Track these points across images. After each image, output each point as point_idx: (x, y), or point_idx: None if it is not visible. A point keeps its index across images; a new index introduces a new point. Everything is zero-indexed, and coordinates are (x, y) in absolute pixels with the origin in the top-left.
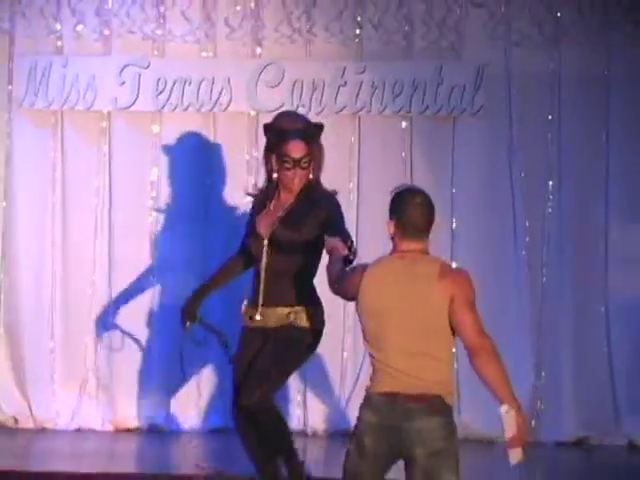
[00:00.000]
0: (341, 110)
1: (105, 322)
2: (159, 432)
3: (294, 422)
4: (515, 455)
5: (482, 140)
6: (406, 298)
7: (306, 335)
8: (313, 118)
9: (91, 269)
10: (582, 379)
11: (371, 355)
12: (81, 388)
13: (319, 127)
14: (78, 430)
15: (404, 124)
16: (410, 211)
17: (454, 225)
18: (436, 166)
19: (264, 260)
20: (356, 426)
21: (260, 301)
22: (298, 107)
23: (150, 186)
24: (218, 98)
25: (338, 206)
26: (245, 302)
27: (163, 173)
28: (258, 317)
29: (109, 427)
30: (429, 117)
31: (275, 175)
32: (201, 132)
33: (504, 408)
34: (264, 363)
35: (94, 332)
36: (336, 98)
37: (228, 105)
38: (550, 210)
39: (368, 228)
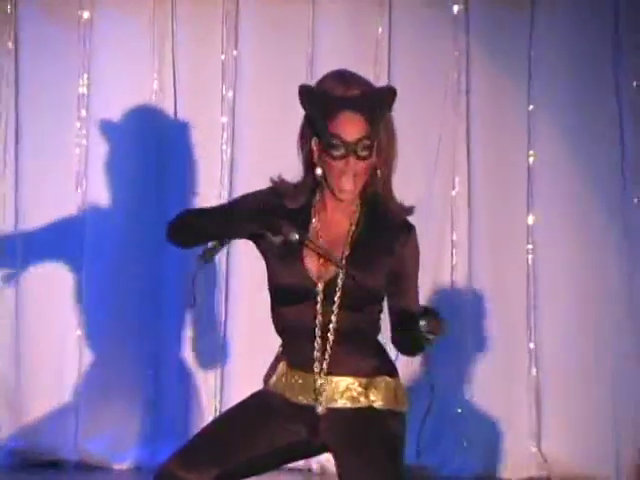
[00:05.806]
0: None
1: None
2: (87, 467)
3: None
4: None
5: (573, 35)
6: None
7: (394, 421)
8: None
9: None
10: None
11: None
12: None
13: (389, 93)
14: None
15: (456, 9)
16: None
17: (530, 161)
18: (504, 73)
19: (319, 315)
20: None
21: (317, 369)
22: None
23: (77, 100)
24: None
25: (416, 246)
26: (282, 363)
27: (94, 81)
28: (321, 399)
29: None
30: None
31: (319, 171)
32: (152, 19)
33: None
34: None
35: None
36: None
37: None
38: None
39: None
